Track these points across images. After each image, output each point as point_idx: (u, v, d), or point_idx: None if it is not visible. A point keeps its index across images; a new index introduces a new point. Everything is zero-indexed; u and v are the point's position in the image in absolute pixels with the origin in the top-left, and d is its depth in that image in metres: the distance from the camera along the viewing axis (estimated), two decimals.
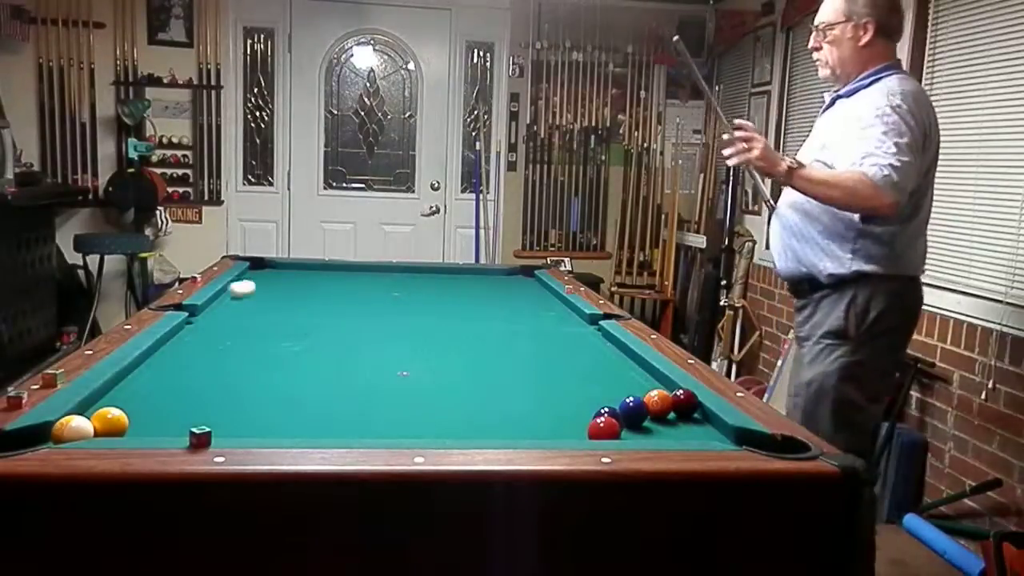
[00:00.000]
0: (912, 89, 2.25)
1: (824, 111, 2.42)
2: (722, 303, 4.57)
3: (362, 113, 5.53)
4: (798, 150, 2.52)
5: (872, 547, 1.67)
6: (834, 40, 2.28)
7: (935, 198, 2.39)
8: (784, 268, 2.42)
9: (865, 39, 2.25)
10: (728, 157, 2.30)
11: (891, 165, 2.07)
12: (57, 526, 1.10)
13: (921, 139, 2.17)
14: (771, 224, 2.45)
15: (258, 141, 5.43)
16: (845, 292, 2.26)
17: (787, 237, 2.37)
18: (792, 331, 2.62)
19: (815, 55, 2.36)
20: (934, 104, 2.30)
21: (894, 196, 2.09)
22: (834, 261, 2.26)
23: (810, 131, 2.53)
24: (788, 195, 2.34)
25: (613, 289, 5.41)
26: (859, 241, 2.24)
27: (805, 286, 2.37)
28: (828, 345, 2.29)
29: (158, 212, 5.08)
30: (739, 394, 1.66)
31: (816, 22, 2.33)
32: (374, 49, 5.50)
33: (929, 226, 2.37)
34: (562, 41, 5.35)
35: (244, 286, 2.62)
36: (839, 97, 2.34)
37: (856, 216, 2.21)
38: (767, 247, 4.76)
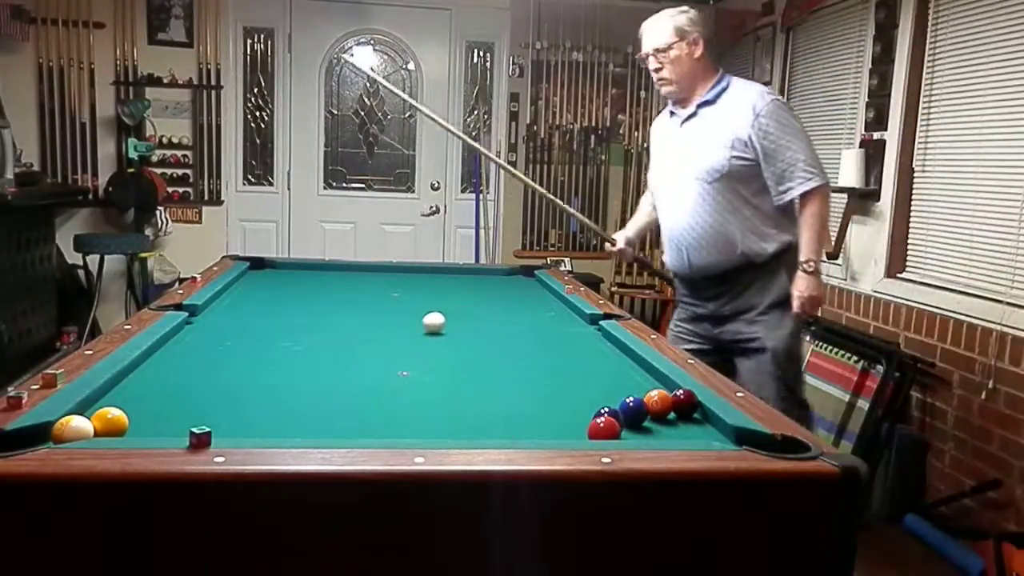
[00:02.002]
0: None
1: (685, 121, 2.66)
2: None
3: (362, 113, 5.54)
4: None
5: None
6: (674, 60, 2.61)
7: (935, 198, 2.45)
8: (717, 264, 2.62)
9: (698, 52, 2.62)
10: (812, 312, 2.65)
11: (810, 165, 2.51)
12: (57, 526, 1.10)
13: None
14: (679, 238, 2.68)
15: (258, 141, 5.43)
16: (777, 264, 2.59)
17: (713, 240, 2.60)
18: (682, 310, 2.82)
19: (656, 76, 2.65)
20: (934, 104, 2.41)
21: (824, 179, 2.53)
22: (766, 242, 2.58)
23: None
24: (690, 208, 2.61)
25: (613, 289, 5.41)
26: (778, 219, 2.59)
27: (735, 271, 2.62)
28: (780, 312, 2.58)
29: (158, 212, 5.08)
30: (739, 394, 1.66)
31: (650, 48, 2.63)
32: (374, 49, 5.50)
33: (929, 226, 2.41)
34: (562, 41, 5.36)
35: (435, 318, 2.26)
36: (703, 105, 2.62)
37: (773, 200, 2.56)
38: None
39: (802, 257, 2.54)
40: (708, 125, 2.61)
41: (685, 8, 2.66)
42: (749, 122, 2.52)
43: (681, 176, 2.64)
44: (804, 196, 2.52)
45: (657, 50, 2.62)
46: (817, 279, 2.53)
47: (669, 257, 2.76)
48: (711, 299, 2.68)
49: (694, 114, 2.65)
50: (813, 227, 2.55)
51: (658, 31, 2.63)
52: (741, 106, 2.56)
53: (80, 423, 1.27)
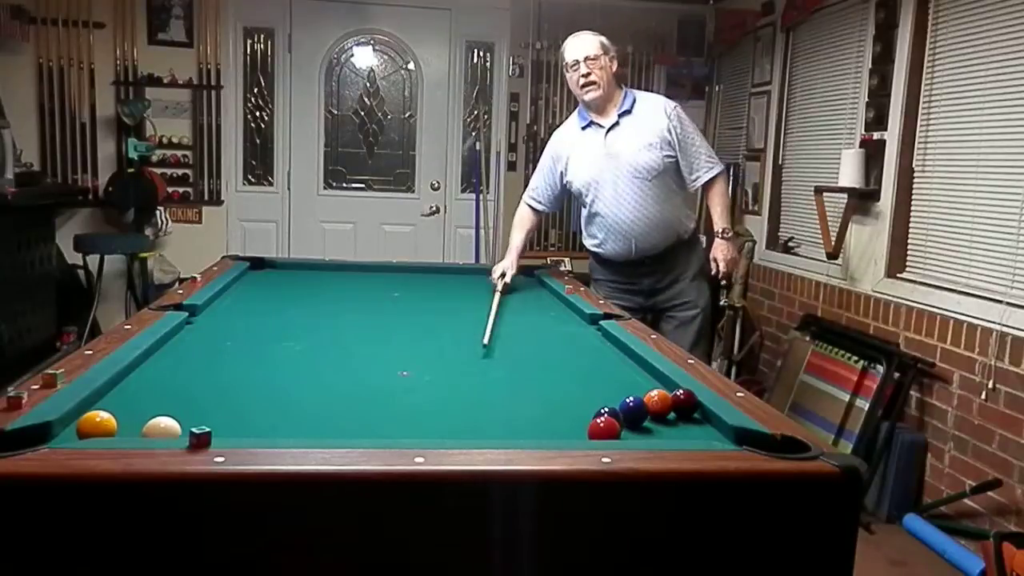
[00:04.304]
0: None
1: (610, 130, 3.07)
2: (722, 303, 4.57)
3: (362, 113, 5.53)
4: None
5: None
6: (603, 68, 3.03)
7: (935, 198, 2.47)
8: (658, 245, 3.10)
9: (614, 68, 3.10)
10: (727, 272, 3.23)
11: (711, 156, 3.14)
12: (57, 526, 1.10)
13: None
14: (627, 230, 3.08)
15: (258, 141, 5.42)
16: (694, 241, 3.24)
17: (657, 225, 3.07)
18: (606, 289, 3.22)
19: (585, 81, 3.02)
20: (934, 104, 2.43)
21: (722, 166, 3.18)
22: (689, 221, 3.20)
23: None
24: (633, 203, 3.04)
25: None
26: (690, 201, 3.28)
27: (669, 249, 3.12)
28: (702, 277, 3.20)
29: (158, 212, 5.07)
30: (739, 394, 1.66)
31: (582, 56, 3.03)
32: (374, 49, 5.50)
33: (929, 226, 2.42)
34: (562, 41, 5.33)
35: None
36: (623, 115, 3.06)
37: (687, 188, 3.15)
38: (766, 246, 4.77)
39: (720, 227, 3.13)
40: (634, 131, 3.05)
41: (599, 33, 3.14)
42: (665, 124, 3.03)
43: (618, 178, 3.04)
44: (711, 180, 3.11)
45: (588, 58, 3.02)
46: (734, 243, 3.22)
47: (611, 247, 3.14)
48: (647, 275, 3.15)
49: (616, 124, 3.07)
50: (723, 203, 3.16)
51: (590, 43, 3.06)
52: (654, 111, 3.07)
53: (169, 423, 1.29)
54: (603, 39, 3.10)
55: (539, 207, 3.31)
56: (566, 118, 3.16)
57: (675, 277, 3.15)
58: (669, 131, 3.03)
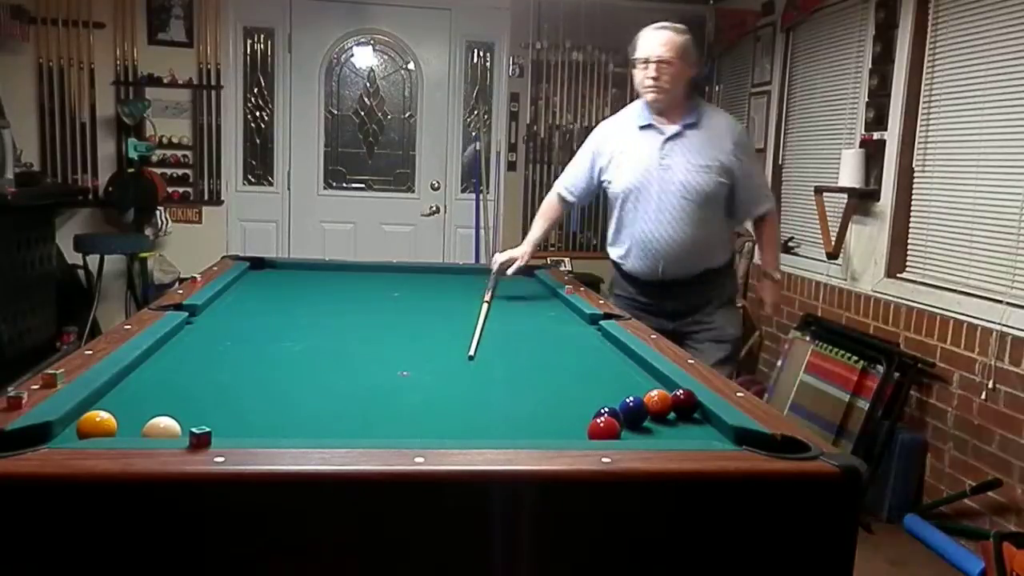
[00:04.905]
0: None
1: (670, 139, 2.78)
2: None
3: (362, 113, 5.53)
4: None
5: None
6: (674, 73, 2.72)
7: (935, 198, 2.47)
8: (688, 272, 2.84)
9: (690, 74, 2.80)
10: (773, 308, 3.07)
11: (768, 190, 3.07)
12: (57, 526, 1.10)
13: None
14: (656, 248, 2.81)
15: (258, 141, 5.43)
16: (728, 268, 3.01)
17: (690, 251, 2.80)
18: (626, 303, 2.92)
19: (652, 82, 2.73)
20: (934, 104, 2.42)
21: (773, 203, 2.99)
22: (725, 252, 2.95)
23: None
24: (671, 222, 2.78)
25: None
26: (730, 232, 3.04)
27: (698, 276, 2.86)
28: (731, 307, 3.00)
29: (158, 212, 5.08)
30: (739, 394, 1.66)
31: (654, 55, 2.72)
32: (374, 49, 5.50)
33: (929, 226, 2.42)
34: (562, 41, 5.36)
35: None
36: (689, 126, 2.79)
37: (736, 218, 2.94)
38: None
39: (771, 268, 2.94)
40: (695, 148, 2.78)
41: (686, 30, 2.83)
42: (729, 150, 2.77)
43: (664, 192, 2.77)
44: (764, 216, 2.92)
45: (661, 60, 2.72)
46: (781, 285, 3.14)
47: (635, 263, 2.86)
48: (670, 298, 2.87)
49: (679, 134, 2.78)
50: (775, 242, 2.99)
51: (667, 45, 2.73)
52: (720, 132, 2.81)
53: (169, 423, 1.29)
54: (688, 42, 2.79)
55: (570, 198, 3.05)
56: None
57: (699, 305, 2.88)
58: (733, 157, 2.76)
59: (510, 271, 2.87)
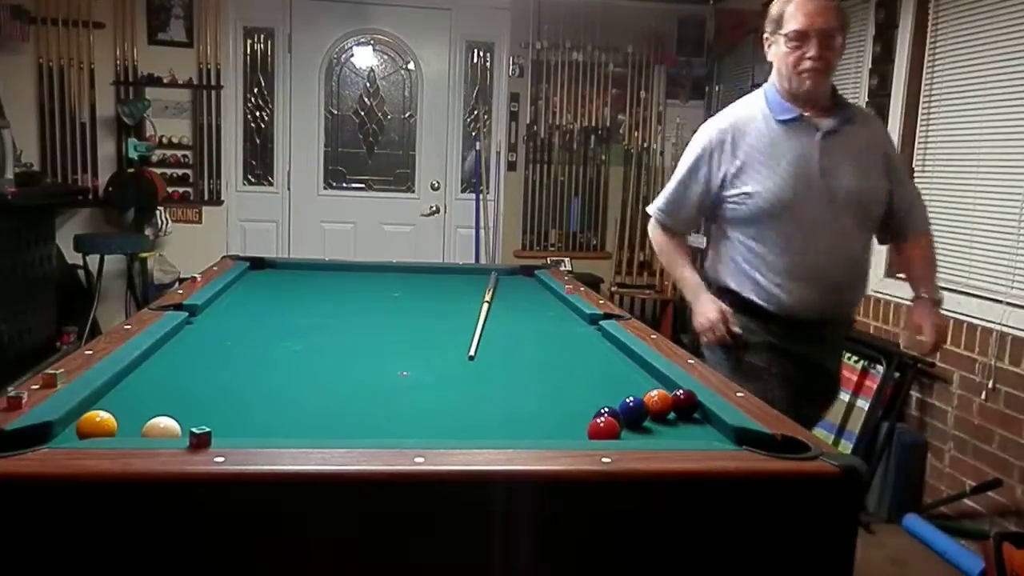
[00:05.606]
0: None
1: (827, 135, 2.19)
2: None
3: (362, 113, 5.53)
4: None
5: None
6: (837, 48, 2.16)
7: (935, 198, 2.46)
8: (851, 305, 2.38)
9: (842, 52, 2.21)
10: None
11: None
12: (57, 526, 1.10)
13: None
14: (830, 276, 2.22)
15: (258, 141, 5.43)
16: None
17: (858, 278, 2.30)
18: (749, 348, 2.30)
19: (812, 63, 2.12)
20: (934, 104, 2.38)
21: None
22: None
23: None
24: (842, 242, 2.22)
25: (613, 289, 5.41)
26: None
27: (850, 316, 2.44)
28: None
29: (158, 212, 5.08)
30: (739, 394, 1.66)
31: (820, 28, 2.11)
32: (374, 49, 5.50)
33: (928, 226, 2.41)
34: (562, 41, 5.36)
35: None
36: (846, 121, 2.21)
37: (890, 235, 2.36)
38: None
39: (931, 290, 2.29)
40: (859, 147, 2.21)
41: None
42: (887, 142, 2.27)
43: (831, 203, 2.17)
44: (927, 230, 2.32)
45: (824, 32, 2.11)
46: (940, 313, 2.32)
47: (799, 296, 2.20)
48: (812, 340, 2.25)
49: (836, 130, 2.19)
50: (934, 260, 2.36)
51: (832, 10, 2.15)
52: (877, 128, 2.30)
53: (169, 423, 1.29)
54: (844, 10, 2.22)
55: (677, 228, 2.41)
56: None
57: (836, 348, 2.41)
58: (890, 156, 2.26)
59: (731, 326, 2.24)
